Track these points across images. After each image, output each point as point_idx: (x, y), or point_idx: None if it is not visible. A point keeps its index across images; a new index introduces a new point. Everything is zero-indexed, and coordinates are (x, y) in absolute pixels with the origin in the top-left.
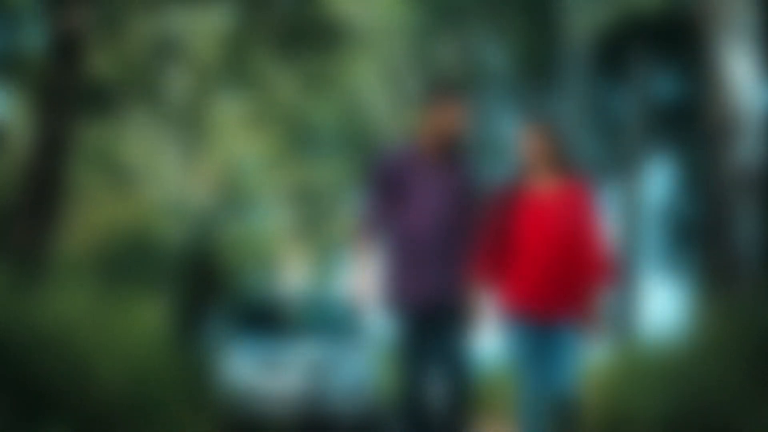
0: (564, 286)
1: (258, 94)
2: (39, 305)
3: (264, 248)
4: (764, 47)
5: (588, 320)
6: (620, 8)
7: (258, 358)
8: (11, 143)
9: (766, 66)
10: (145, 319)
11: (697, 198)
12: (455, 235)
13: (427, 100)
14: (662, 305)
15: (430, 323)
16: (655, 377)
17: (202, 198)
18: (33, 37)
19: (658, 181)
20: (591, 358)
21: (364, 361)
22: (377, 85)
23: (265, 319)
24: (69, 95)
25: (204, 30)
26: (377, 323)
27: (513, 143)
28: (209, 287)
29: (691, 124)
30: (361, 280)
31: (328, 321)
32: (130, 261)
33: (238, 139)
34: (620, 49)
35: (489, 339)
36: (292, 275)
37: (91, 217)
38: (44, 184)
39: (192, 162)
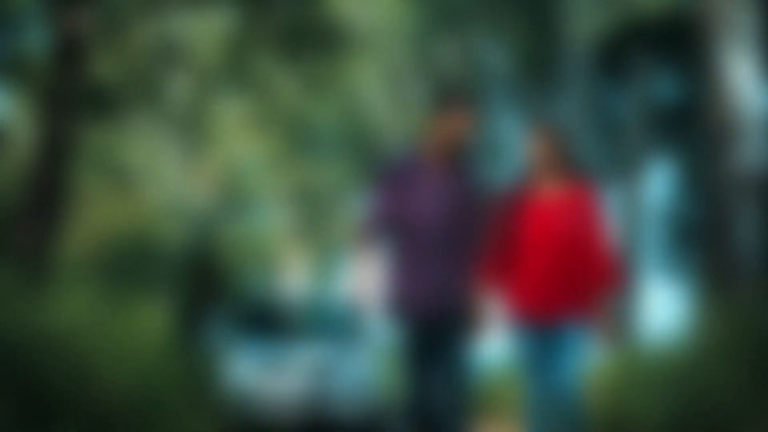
0: (569, 290)
1: (259, 96)
2: (42, 308)
3: (265, 249)
4: (764, 50)
5: (596, 323)
6: (621, 10)
7: (260, 360)
8: (14, 145)
9: (767, 68)
10: (148, 321)
11: (697, 200)
12: (460, 240)
13: (435, 106)
14: (663, 307)
15: (434, 329)
16: (656, 379)
17: (204, 199)
18: (36, 40)
19: (658, 183)
20: (593, 361)
21: (366, 363)
22: (378, 86)
23: (267, 321)
24: (71, 97)
25: (205, 32)
26: (379, 325)
27: (514, 144)
28: (210, 288)
29: (692, 126)
30: (363, 282)
31: (330, 323)
32: (131, 262)
33: (239, 140)
34: (621, 50)
35: (495, 341)
36: (293, 276)
37: (92, 218)
38: (47, 187)
39: (193, 163)
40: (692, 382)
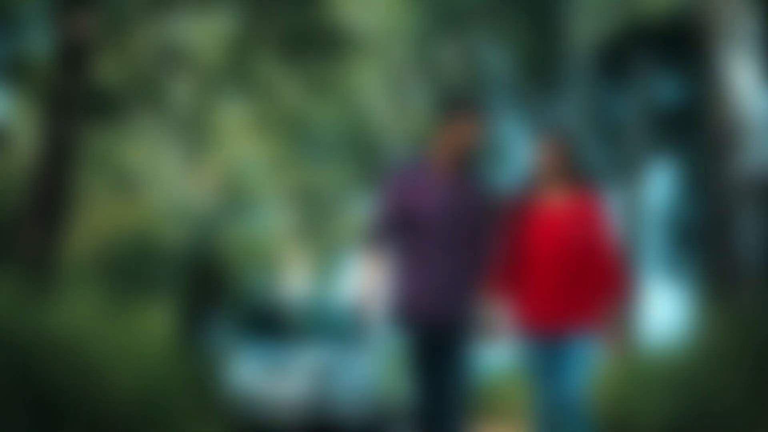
0: (576, 299)
1: (261, 99)
2: (46, 312)
3: (266, 251)
4: (767, 52)
5: (603, 331)
6: (623, 13)
7: (263, 362)
8: (17, 148)
9: None
10: (151, 323)
11: (699, 203)
12: (466, 245)
13: (443, 115)
14: (665, 310)
15: (438, 334)
16: (657, 382)
17: (206, 201)
18: (39, 43)
19: (660, 186)
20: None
21: (368, 365)
22: (379, 89)
23: (270, 324)
24: (74, 100)
25: (207, 35)
26: (381, 327)
27: (515, 146)
28: (212, 290)
29: (694, 128)
30: (368, 285)
31: (332, 325)
32: (133, 264)
33: (241, 143)
34: (623, 53)
35: (501, 348)
36: (294, 278)
37: (95, 220)
38: (50, 190)
39: (195, 165)
40: (694, 385)
